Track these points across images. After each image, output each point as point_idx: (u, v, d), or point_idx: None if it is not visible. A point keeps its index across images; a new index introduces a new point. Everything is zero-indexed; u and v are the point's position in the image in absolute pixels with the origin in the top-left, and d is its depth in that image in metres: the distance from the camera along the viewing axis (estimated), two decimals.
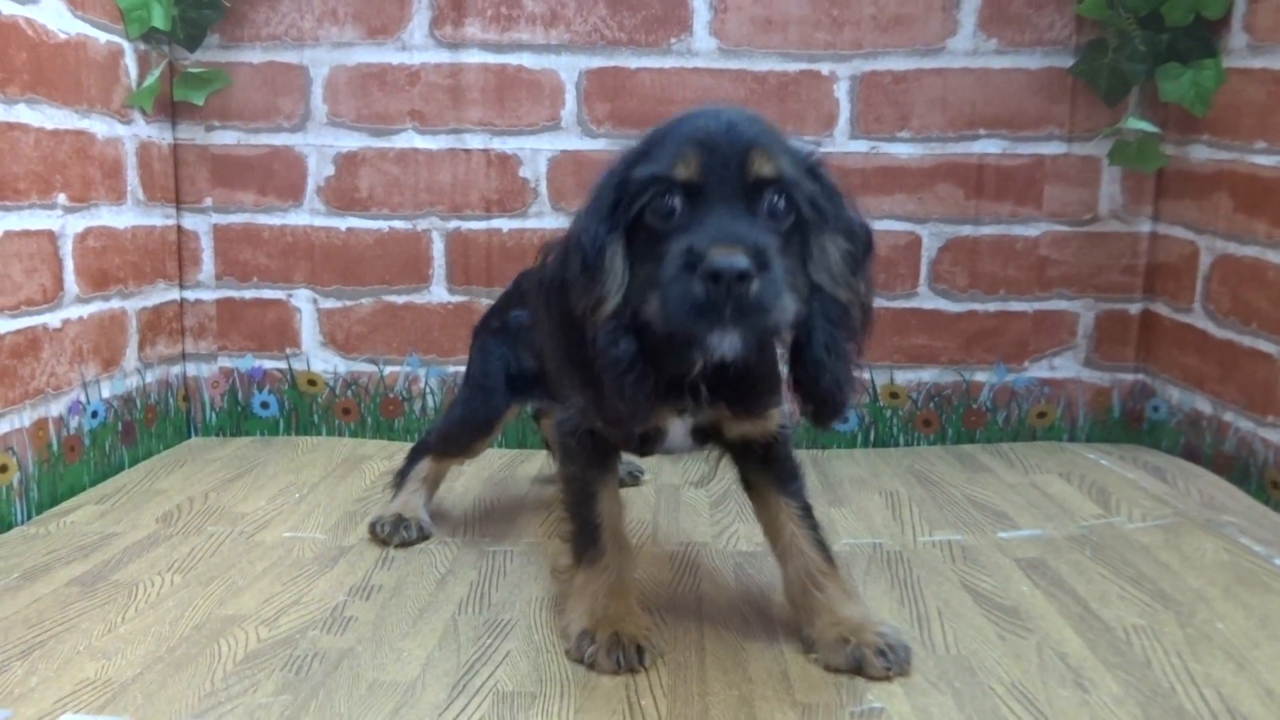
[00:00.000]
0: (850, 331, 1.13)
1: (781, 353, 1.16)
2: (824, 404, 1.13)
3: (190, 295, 2.18)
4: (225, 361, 2.21)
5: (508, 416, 1.60)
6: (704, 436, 1.27)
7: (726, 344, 1.06)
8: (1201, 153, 1.94)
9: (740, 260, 0.97)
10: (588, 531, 1.28)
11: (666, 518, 1.75)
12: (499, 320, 1.61)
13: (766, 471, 1.29)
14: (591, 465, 1.28)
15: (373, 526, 1.62)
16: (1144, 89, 1.99)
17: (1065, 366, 2.16)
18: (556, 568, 1.41)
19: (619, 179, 1.09)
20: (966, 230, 2.11)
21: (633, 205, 1.06)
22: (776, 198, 1.06)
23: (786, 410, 1.27)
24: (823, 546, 1.26)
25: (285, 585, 1.44)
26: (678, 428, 1.24)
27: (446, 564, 1.54)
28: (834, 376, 1.11)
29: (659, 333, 1.05)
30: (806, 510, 1.28)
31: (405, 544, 1.59)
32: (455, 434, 1.62)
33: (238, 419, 2.23)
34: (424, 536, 1.62)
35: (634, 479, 1.94)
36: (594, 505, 1.28)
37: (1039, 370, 2.16)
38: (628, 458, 1.82)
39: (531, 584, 1.46)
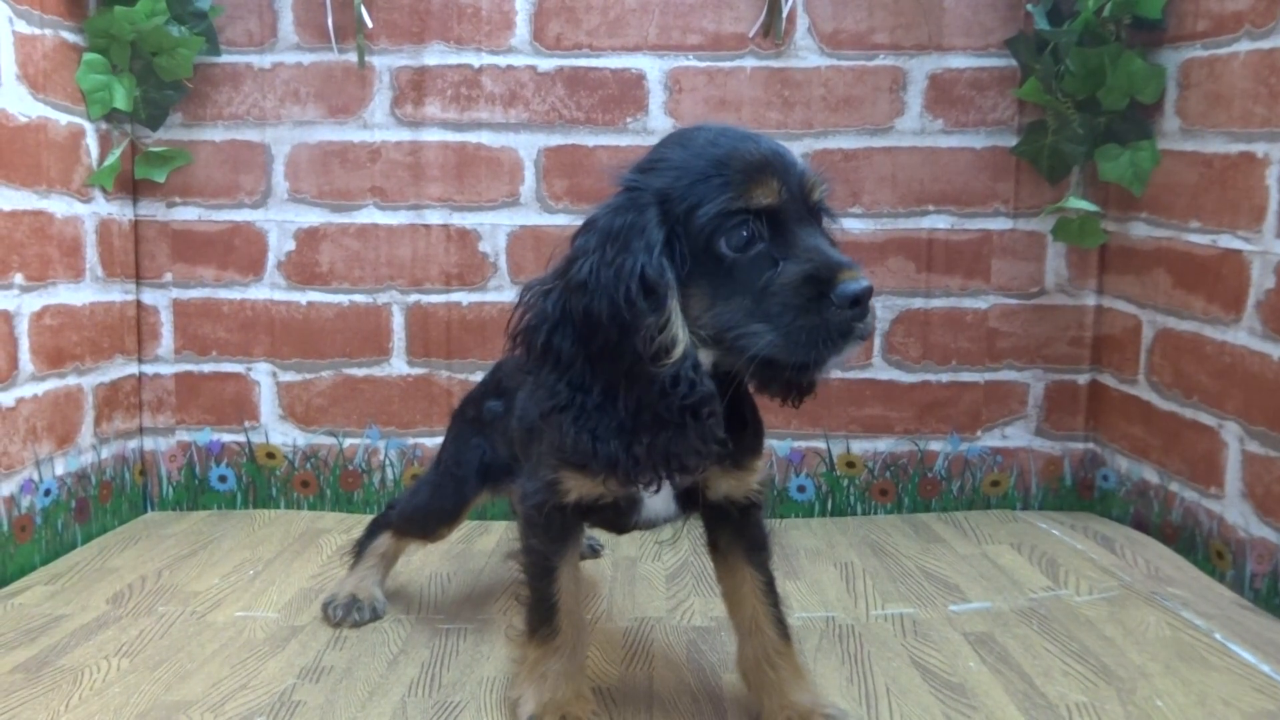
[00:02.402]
0: None
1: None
2: (808, 389, 1.20)
3: (149, 370, 2.18)
4: (183, 435, 2.21)
5: (475, 504, 1.60)
6: (686, 500, 1.25)
7: (839, 360, 1.07)
8: (1140, 230, 2.00)
9: (867, 280, 1.02)
10: (543, 608, 1.26)
11: (622, 591, 1.75)
12: (475, 410, 1.59)
13: (738, 538, 1.28)
14: (554, 540, 1.25)
15: (325, 607, 1.61)
16: (1085, 168, 2.06)
17: (1017, 436, 2.20)
18: (510, 629, 1.40)
19: (662, 217, 1.06)
20: (918, 303, 2.16)
21: (705, 239, 1.04)
22: (821, 216, 1.12)
23: (763, 464, 1.28)
24: (781, 624, 1.27)
25: (234, 668, 1.43)
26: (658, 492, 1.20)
27: (399, 643, 1.53)
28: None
29: (782, 362, 1.04)
30: (770, 584, 1.28)
31: (358, 625, 1.58)
32: (420, 518, 1.62)
33: (195, 493, 2.22)
34: (376, 617, 1.61)
35: (594, 552, 1.93)
36: (552, 582, 1.26)
37: (992, 440, 2.20)
38: (590, 530, 1.82)
39: (484, 663, 1.46)
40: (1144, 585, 1.68)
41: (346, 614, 1.59)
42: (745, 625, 1.28)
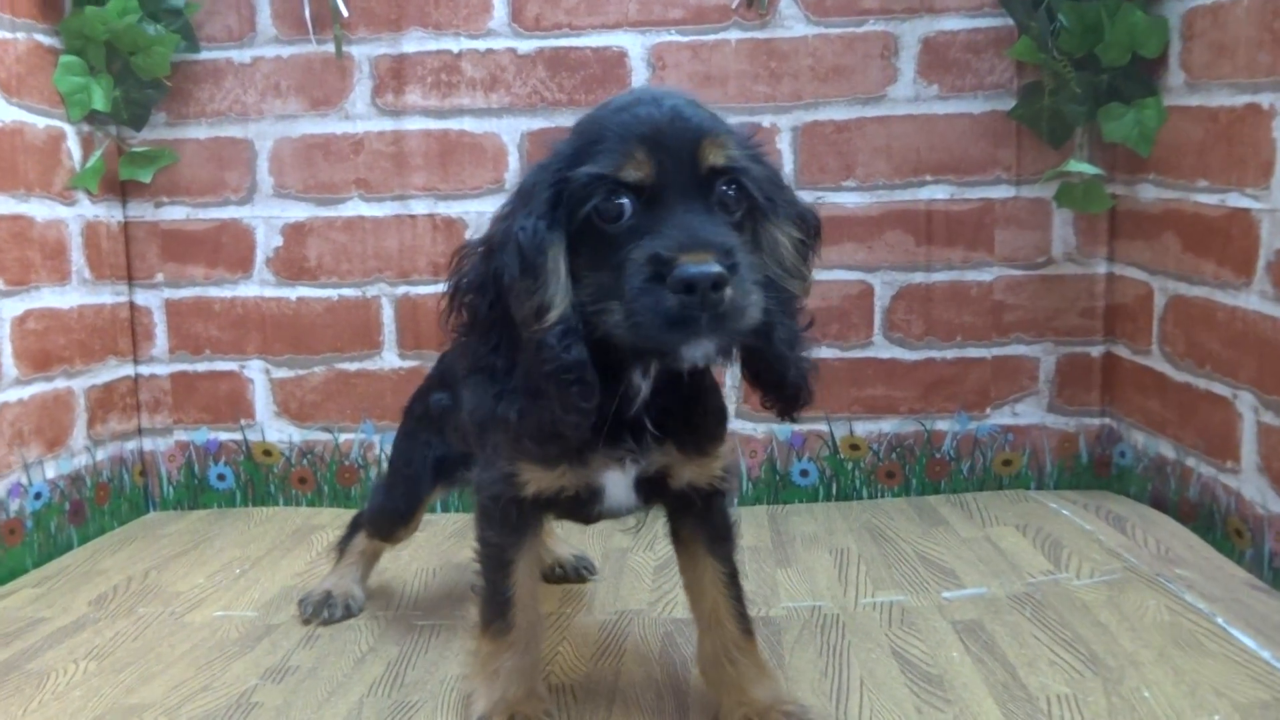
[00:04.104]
0: (806, 321, 1.11)
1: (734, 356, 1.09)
2: (792, 398, 1.10)
3: (145, 370, 2.19)
4: (181, 435, 2.21)
5: (431, 500, 1.57)
6: (648, 490, 1.19)
7: (700, 353, 1.01)
8: (1149, 192, 1.90)
9: (713, 266, 0.93)
10: (498, 603, 1.22)
11: (607, 584, 1.71)
12: (422, 405, 1.55)
13: (701, 528, 1.23)
14: (511, 532, 1.21)
15: (300, 605, 1.59)
16: (1089, 129, 1.96)
17: (1028, 413, 2.11)
18: (464, 620, 1.37)
19: (557, 176, 1.02)
20: (919, 277, 2.08)
21: (578, 207, 1.00)
22: (728, 187, 1.02)
23: (728, 450, 1.23)
24: (743, 618, 1.22)
25: (200, 670, 1.41)
26: (618, 482, 1.17)
27: (370, 641, 1.51)
28: (799, 370, 1.08)
29: (625, 345, 1.00)
30: (733, 576, 1.23)
31: (329, 623, 1.56)
32: (378, 521, 1.60)
33: (195, 492, 2.22)
34: (350, 614, 1.59)
35: (579, 575, 1.75)
36: (508, 575, 1.21)
37: (1002, 417, 2.11)
38: (577, 551, 1.77)
39: (451, 660, 1.43)
40: (1149, 567, 1.60)
41: (317, 612, 1.57)
42: (705, 618, 1.23)
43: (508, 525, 1.21)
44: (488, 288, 1.06)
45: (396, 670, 1.40)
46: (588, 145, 1.02)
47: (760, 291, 1.01)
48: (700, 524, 1.23)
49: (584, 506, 1.22)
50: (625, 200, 0.99)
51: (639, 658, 1.41)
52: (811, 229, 1.11)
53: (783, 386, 1.10)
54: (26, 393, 1.85)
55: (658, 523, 1.96)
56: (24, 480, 1.84)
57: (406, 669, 1.40)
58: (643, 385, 1.10)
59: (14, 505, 1.82)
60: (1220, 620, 1.37)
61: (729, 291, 0.94)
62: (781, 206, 1.08)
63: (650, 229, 0.98)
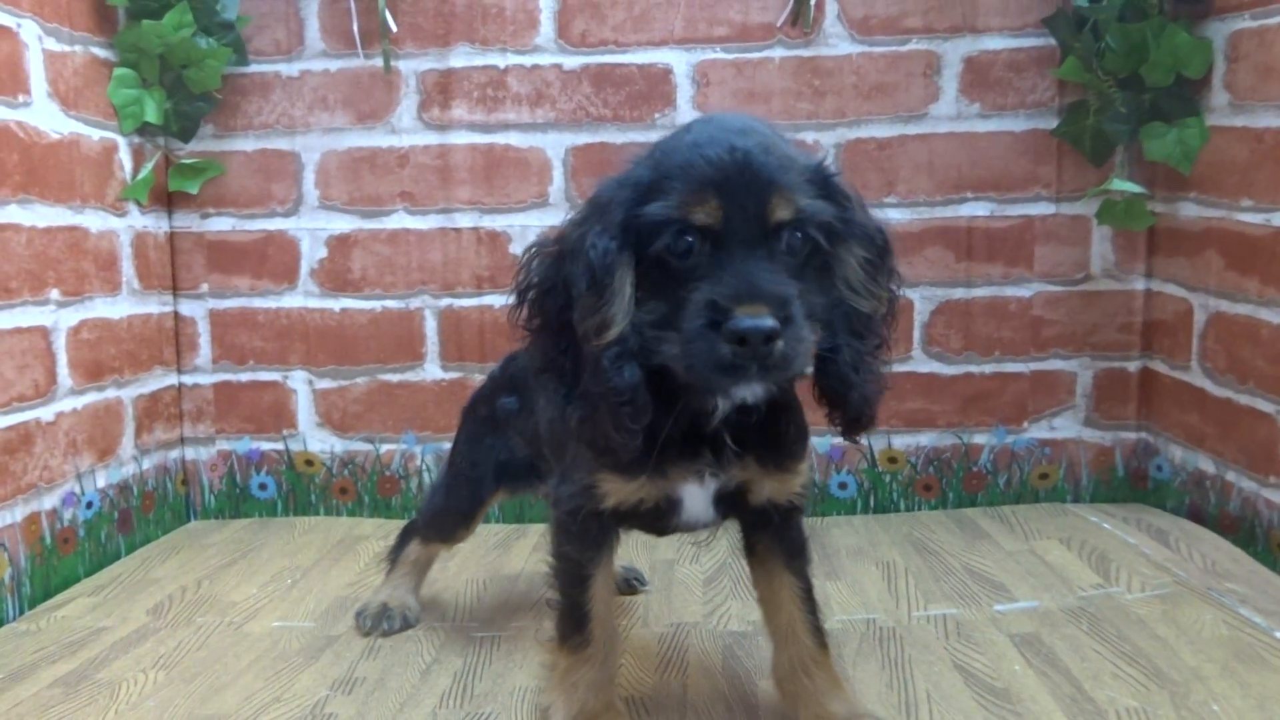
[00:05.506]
0: (875, 341, 1.12)
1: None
2: (854, 420, 1.13)
3: (188, 380, 2.21)
4: (223, 444, 2.22)
5: (491, 504, 1.59)
6: (727, 504, 1.21)
7: (749, 392, 1.08)
8: (1190, 210, 1.93)
9: (767, 321, 0.97)
10: (575, 617, 1.23)
11: (659, 596, 1.73)
12: (487, 407, 1.56)
13: (777, 543, 1.24)
14: (589, 546, 1.22)
15: (357, 617, 1.61)
16: (1130, 148, 1.98)
17: (1065, 427, 2.13)
18: (540, 633, 1.39)
19: (629, 203, 1.05)
20: (958, 293, 2.10)
21: (649, 239, 1.03)
22: (795, 234, 1.04)
23: (807, 467, 1.24)
24: (818, 632, 1.24)
25: (268, 680, 1.43)
26: (697, 495, 1.18)
27: (433, 652, 1.52)
28: (861, 393, 1.10)
29: (679, 376, 1.04)
30: (808, 591, 1.25)
31: (389, 634, 1.57)
32: (437, 523, 1.61)
33: (236, 501, 2.23)
34: (408, 625, 1.60)
35: (630, 588, 1.76)
36: (586, 590, 1.22)
37: (1039, 431, 2.14)
38: (625, 563, 1.79)
39: (516, 672, 1.44)
40: (1199, 581, 1.62)
41: (376, 624, 1.58)
42: (781, 632, 1.24)
43: (586, 539, 1.22)
44: (559, 291, 1.09)
45: (464, 682, 1.41)
46: (662, 179, 1.04)
47: (814, 325, 1.04)
48: (777, 539, 1.25)
49: (662, 518, 1.23)
50: (692, 240, 1.02)
51: (703, 670, 1.43)
52: (879, 248, 1.12)
53: (845, 408, 1.12)
54: (80, 402, 1.86)
55: (702, 534, 1.99)
56: (77, 489, 1.86)
57: (474, 680, 1.42)
58: (721, 401, 1.13)
59: (67, 514, 1.83)
60: (1279, 634, 1.40)
61: (780, 344, 0.98)
62: (851, 228, 1.09)
63: (711, 273, 1.01)
